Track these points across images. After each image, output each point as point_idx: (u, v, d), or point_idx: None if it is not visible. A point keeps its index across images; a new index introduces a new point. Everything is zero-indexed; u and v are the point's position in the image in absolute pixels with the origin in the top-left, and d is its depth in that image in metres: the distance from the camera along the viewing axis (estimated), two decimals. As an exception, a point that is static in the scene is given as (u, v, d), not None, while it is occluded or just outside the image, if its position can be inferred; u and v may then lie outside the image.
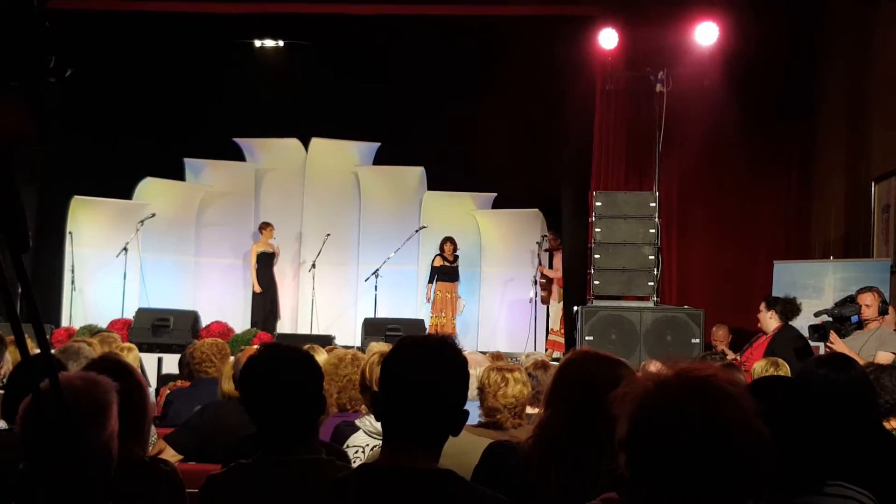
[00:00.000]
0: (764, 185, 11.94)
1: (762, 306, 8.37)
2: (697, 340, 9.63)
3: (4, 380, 4.65)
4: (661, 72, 10.98)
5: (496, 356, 6.69)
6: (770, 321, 8.14)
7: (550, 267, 13.10)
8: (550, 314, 13.08)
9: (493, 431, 3.81)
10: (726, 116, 11.59)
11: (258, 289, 13.24)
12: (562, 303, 12.58)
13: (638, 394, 1.70)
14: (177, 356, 7.18)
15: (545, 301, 13.20)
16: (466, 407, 2.29)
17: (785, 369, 5.68)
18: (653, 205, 10.34)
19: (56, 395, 1.67)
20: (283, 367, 2.71)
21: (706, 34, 11.08)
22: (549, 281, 13.06)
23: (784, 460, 1.91)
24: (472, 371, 3.38)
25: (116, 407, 2.30)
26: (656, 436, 1.65)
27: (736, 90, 11.48)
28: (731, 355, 8.61)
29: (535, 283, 12.98)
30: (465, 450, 2.98)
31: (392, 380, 2.23)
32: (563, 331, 12.49)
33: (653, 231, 10.24)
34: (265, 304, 13.25)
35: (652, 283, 10.17)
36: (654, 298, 10.21)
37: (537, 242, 13.22)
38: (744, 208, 11.93)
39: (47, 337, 1.92)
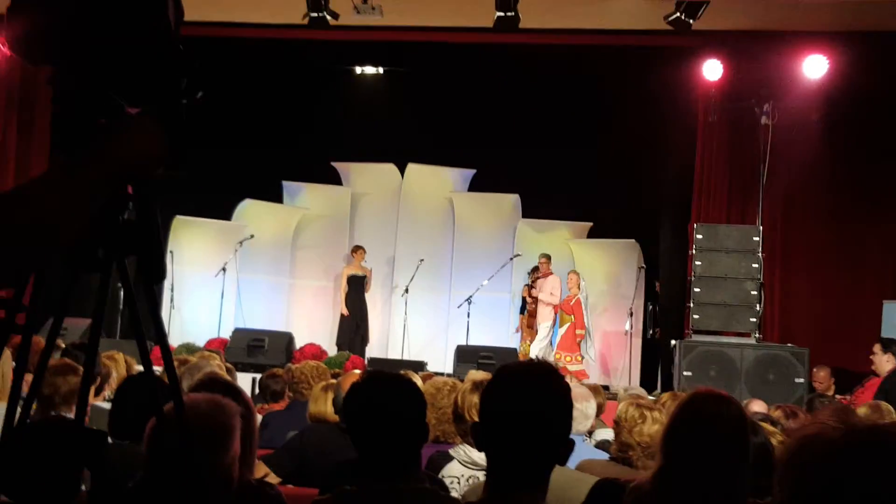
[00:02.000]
0: (872, 222, 11.57)
1: (877, 347, 8.12)
2: (802, 381, 9.36)
3: (111, 395, 4.74)
4: (767, 104, 10.79)
5: (594, 389, 6.56)
6: (886, 363, 7.88)
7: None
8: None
9: (622, 468, 3.71)
10: (833, 150, 11.31)
11: (345, 311, 13.34)
12: (562, 328, 12.62)
13: (819, 443, 1.58)
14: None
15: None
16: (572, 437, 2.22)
17: (891, 416, 5.46)
18: (756, 239, 10.14)
19: (178, 419, 1.67)
20: (388, 395, 2.68)
21: (814, 67, 10.86)
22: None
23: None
24: (576, 405, 3.32)
25: (239, 431, 2.29)
26: (842, 493, 1.53)
27: (844, 124, 11.21)
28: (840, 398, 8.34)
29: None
30: (571, 484, 2.91)
31: (494, 409, 2.17)
32: (574, 356, 12.47)
33: (756, 266, 10.03)
34: (351, 327, 13.33)
35: (754, 319, 9.95)
36: (757, 335, 9.97)
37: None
38: (851, 245, 11.57)
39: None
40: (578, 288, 12.73)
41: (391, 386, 2.74)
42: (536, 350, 12.59)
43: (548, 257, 13.03)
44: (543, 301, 12.80)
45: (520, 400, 2.13)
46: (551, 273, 12.93)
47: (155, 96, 1.71)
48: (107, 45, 1.63)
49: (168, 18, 1.79)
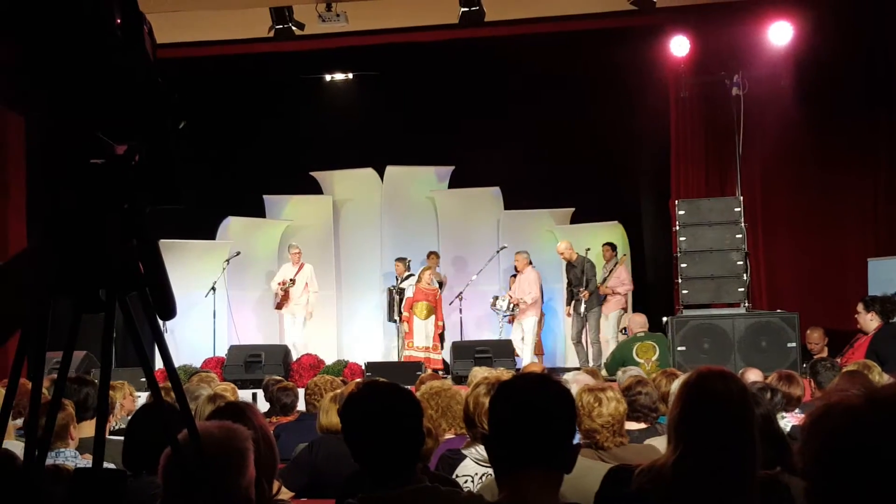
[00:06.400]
0: (850, 181, 11.66)
1: (860, 307, 8.19)
2: (794, 345, 9.43)
3: (117, 425, 4.74)
4: (736, 75, 10.85)
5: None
6: (870, 322, 7.96)
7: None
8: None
9: (597, 451, 3.79)
10: (806, 115, 11.39)
11: None
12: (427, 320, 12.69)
13: (842, 410, 1.60)
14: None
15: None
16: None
17: (877, 371, 5.54)
18: (738, 209, 10.19)
19: (195, 447, 1.69)
20: (379, 404, 2.72)
21: (780, 34, 10.95)
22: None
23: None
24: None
25: (253, 454, 2.33)
26: (866, 458, 1.54)
27: (814, 88, 11.29)
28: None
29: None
30: (581, 473, 2.94)
31: (505, 424, 2.24)
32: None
33: (739, 236, 10.10)
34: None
35: (742, 289, 10.01)
36: (746, 304, 10.04)
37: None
38: (831, 206, 11.66)
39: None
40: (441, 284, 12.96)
41: (382, 395, 2.78)
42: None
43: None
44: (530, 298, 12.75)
45: (528, 412, 2.21)
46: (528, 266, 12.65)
47: (142, 132, 1.73)
48: (92, 86, 1.65)
49: (147, 54, 1.81)
